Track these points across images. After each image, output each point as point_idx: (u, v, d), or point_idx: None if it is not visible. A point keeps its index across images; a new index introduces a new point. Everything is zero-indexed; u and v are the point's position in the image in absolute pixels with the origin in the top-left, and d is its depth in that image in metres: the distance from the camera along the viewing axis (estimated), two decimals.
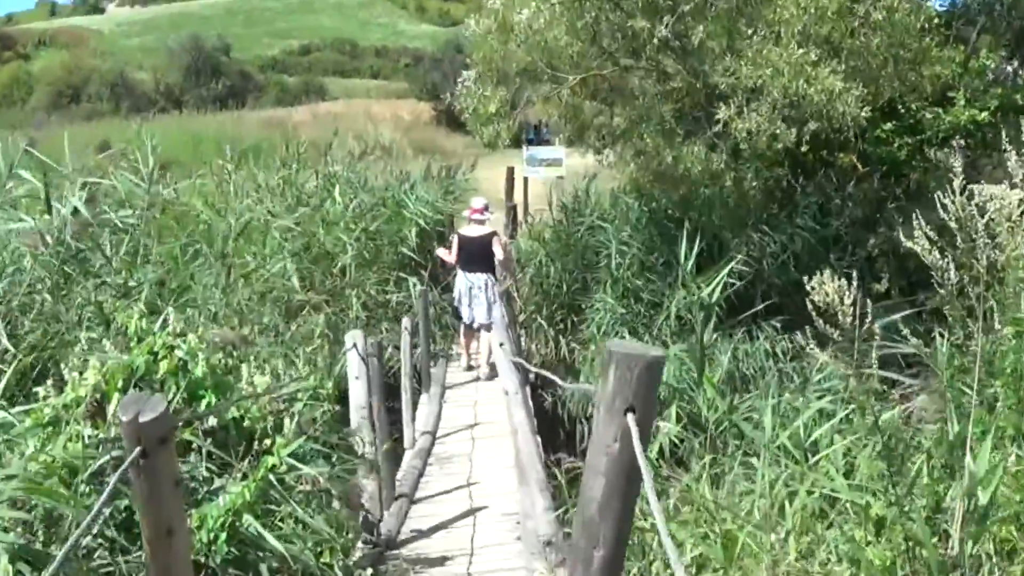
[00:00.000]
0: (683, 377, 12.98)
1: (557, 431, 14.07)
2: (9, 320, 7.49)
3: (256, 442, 5.62)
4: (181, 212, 13.84)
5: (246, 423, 5.45)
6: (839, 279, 4.70)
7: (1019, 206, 5.09)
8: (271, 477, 4.87)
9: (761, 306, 13.46)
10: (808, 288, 4.79)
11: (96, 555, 4.43)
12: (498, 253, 13.85)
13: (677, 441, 10.15)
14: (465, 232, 14.16)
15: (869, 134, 13.90)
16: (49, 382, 5.43)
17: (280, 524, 5.07)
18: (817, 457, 5.61)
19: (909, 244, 5.13)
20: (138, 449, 3.18)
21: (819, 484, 5.27)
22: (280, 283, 14.16)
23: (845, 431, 6.09)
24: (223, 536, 4.58)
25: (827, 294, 4.64)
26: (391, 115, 53.00)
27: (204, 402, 5.42)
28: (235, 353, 5.74)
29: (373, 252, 16.38)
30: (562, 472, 7.37)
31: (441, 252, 15.08)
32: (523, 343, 15.72)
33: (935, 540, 4.46)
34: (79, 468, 4.67)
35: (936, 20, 13.70)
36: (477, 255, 13.87)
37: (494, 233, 14.19)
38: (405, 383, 12.05)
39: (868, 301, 4.79)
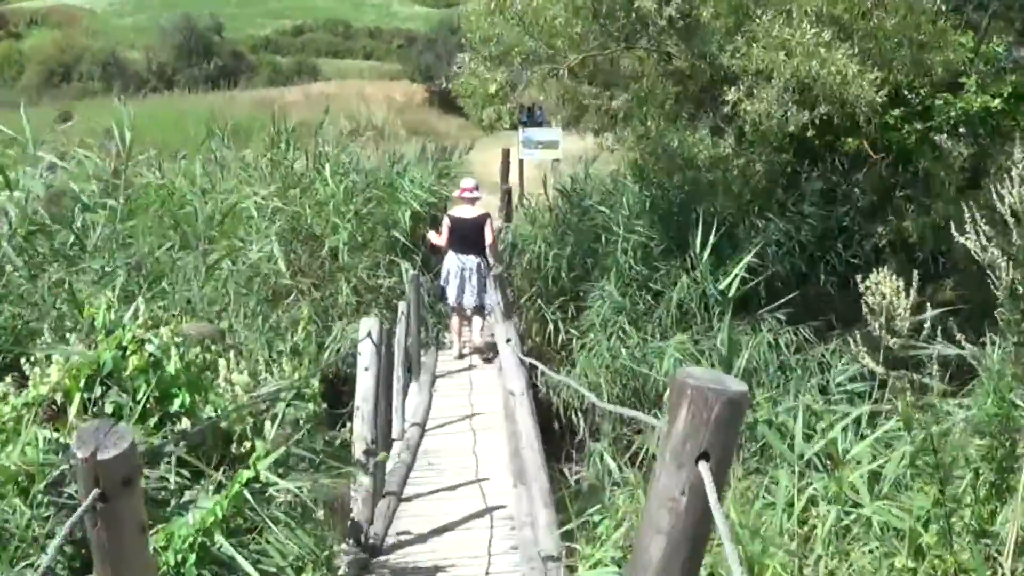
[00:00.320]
0: (683, 366, 12.65)
1: (553, 422, 13.62)
2: None
3: (235, 444, 5.17)
4: (163, 194, 13.34)
5: (223, 425, 4.99)
6: (894, 278, 4.16)
7: None
8: (247, 492, 4.38)
9: (774, 307, 13.00)
10: (862, 287, 4.28)
11: None
12: (488, 237, 13.55)
13: None
14: (457, 213, 13.82)
15: (876, 120, 13.46)
16: (8, 378, 4.97)
17: (258, 538, 4.60)
18: (857, 474, 5.07)
19: (962, 240, 4.58)
20: (96, 492, 2.64)
21: (851, 502, 4.79)
22: (266, 267, 13.73)
23: (879, 441, 5.62)
24: (192, 558, 4.10)
25: (883, 296, 4.12)
26: (384, 96, 52.41)
27: (177, 402, 4.96)
28: (213, 347, 5.26)
29: (365, 235, 15.88)
30: (569, 474, 6.94)
31: (431, 235, 14.70)
32: (519, 328, 15.30)
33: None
34: (36, 476, 4.21)
35: (948, 3, 13.26)
36: (470, 237, 13.57)
37: (487, 215, 13.90)
38: (398, 372, 11.57)
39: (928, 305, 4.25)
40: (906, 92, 13.74)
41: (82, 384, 4.70)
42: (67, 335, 5.71)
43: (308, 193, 15.80)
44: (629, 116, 14.34)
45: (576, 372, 13.70)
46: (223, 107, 43.03)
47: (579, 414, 13.69)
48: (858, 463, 5.26)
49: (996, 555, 4.09)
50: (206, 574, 4.14)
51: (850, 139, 14.10)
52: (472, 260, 13.58)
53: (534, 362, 11.27)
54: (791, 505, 5.11)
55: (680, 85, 13.79)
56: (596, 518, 6.00)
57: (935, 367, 4.76)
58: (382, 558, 7.13)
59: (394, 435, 10.79)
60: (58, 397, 4.79)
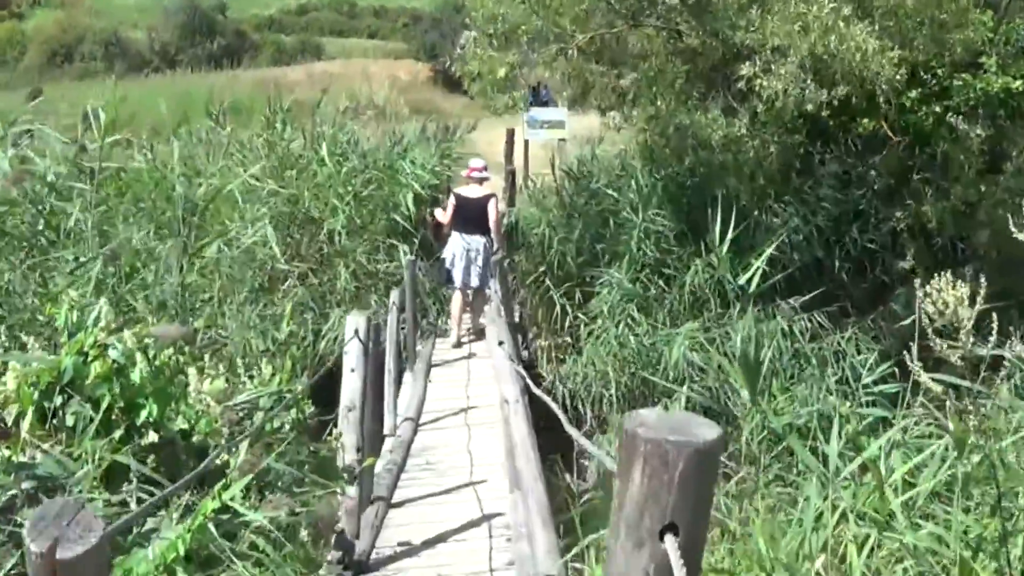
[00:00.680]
0: (694, 359, 12.26)
1: (553, 415, 13.16)
2: None
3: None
4: (142, 177, 12.84)
5: (195, 438, 4.53)
6: (955, 282, 3.63)
7: None
8: (214, 524, 3.90)
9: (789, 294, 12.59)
10: (922, 293, 3.77)
11: None
12: (491, 216, 13.27)
13: None
14: (463, 192, 13.61)
15: (895, 100, 13.01)
16: None
17: (231, 567, 4.12)
18: (898, 501, 4.55)
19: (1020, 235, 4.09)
20: None
21: (897, 530, 4.30)
22: (261, 251, 13.31)
23: (914, 447, 5.15)
24: None
25: (945, 305, 3.60)
26: (388, 75, 51.99)
27: (144, 413, 4.50)
28: (186, 351, 4.79)
29: (364, 218, 15.42)
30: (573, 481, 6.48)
31: (437, 212, 14.59)
32: (520, 315, 14.86)
33: None
34: None
35: None
36: (475, 217, 13.33)
37: (492, 195, 13.64)
38: (390, 364, 11.10)
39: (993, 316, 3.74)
40: (923, 73, 13.29)
41: (36, 396, 4.24)
42: (25, 336, 5.22)
43: (305, 174, 15.32)
44: (638, 96, 13.98)
45: (583, 360, 13.27)
46: (225, 87, 42.70)
47: (585, 404, 13.24)
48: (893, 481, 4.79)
49: None
50: None
51: (866, 120, 13.64)
52: (477, 240, 13.30)
53: (520, 370, 10.75)
54: (819, 518, 4.64)
55: (690, 63, 13.44)
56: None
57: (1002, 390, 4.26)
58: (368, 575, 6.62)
59: (386, 431, 10.33)
60: (13, 409, 4.33)
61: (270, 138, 15.82)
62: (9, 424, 4.33)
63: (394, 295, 12.01)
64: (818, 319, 12.60)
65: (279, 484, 4.74)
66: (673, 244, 13.85)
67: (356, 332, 6.53)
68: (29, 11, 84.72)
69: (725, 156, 13.64)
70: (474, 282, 13.43)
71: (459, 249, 13.39)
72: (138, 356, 4.54)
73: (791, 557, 4.46)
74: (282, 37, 76.08)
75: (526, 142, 23.18)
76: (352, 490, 6.02)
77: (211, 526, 3.88)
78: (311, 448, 5.15)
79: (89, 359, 4.51)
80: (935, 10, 11.99)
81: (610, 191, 15.28)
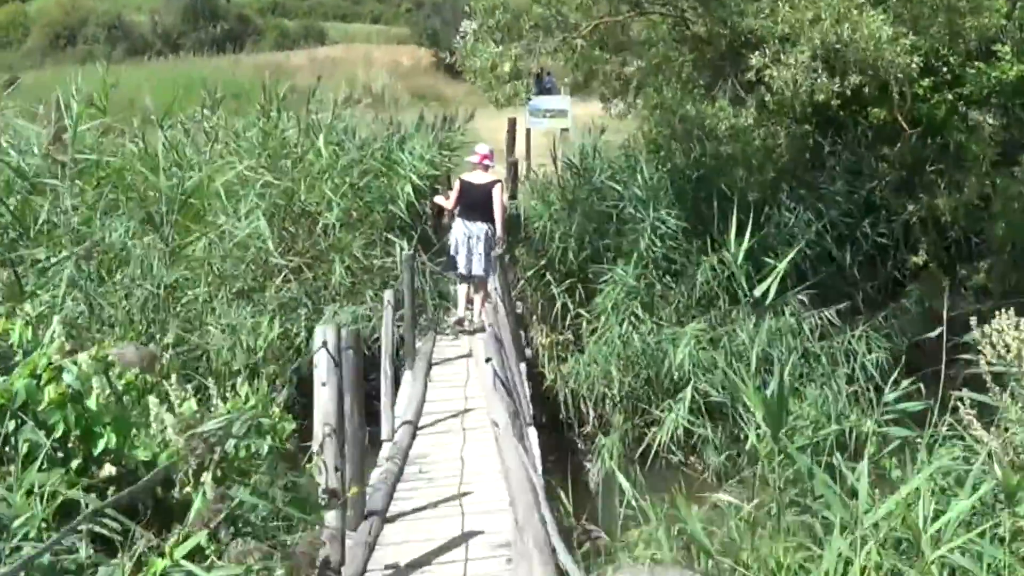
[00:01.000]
0: (699, 357, 11.92)
1: (554, 415, 12.83)
2: None
3: (176, 488, 4.33)
4: (131, 167, 12.43)
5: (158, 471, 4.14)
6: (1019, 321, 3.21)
7: None
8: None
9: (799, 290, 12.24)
10: (979, 334, 3.35)
11: None
12: (496, 202, 12.95)
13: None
14: (468, 178, 13.24)
15: (908, 90, 12.63)
16: None
17: None
18: (935, 555, 4.09)
19: None
20: None
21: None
22: (253, 244, 12.94)
23: (940, 473, 4.74)
24: None
25: (1007, 348, 3.18)
26: (391, 60, 51.65)
27: (102, 443, 4.11)
28: (148, 378, 4.39)
29: (361, 210, 15.02)
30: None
31: (439, 199, 14.42)
32: (522, 311, 14.48)
33: None
34: None
35: None
36: (479, 203, 12.99)
37: (498, 181, 13.30)
38: (386, 366, 10.71)
39: None
40: (935, 61, 12.93)
41: None
42: None
43: (301, 166, 14.92)
44: (642, 84, 13.65)
45: (585, 359, 12.96)
46: (227, 72, 42.39)
47: (587, 403, 12.90)
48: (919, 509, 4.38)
49: None
50: None
51: (876, 109, 13.28)
52: (480, 227, 12.94)
53: (513, 387, 10.32)
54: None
55: (696, 51, 13.11)
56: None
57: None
58: None
59: (383, 436, 9.96)
60: None
61: (265, 127, 15.40)
62: None
63: (388, 294, 11.56)
64: (828, 316, 12.29)
65: (253, 517, 4.34)
66: (679, 239, 13.45)
67: (324, 344, 6.11)
68: None
69: (733, 147, 13.31)
70: (476, 270, 13.05)
71: (461, 236, 13.07)
72: (95, 381, 4.15)
73: None
74: (285, 21, 75.81)
75: (528, 131, 22.81)
76: (333, 516, 5.63)
77: None
78: (288, 476, 4.73)
79: (43, 383, 4.14)
80: None
81: (614, 185, 14.84)
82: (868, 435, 5.45)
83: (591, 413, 12.95)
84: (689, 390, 11.66)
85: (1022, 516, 3.84)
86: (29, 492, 3.92)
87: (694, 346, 11.98)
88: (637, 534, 5.82)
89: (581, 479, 11.99)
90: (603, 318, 13.17)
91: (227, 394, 4.86)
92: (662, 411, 11.89)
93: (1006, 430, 4.32)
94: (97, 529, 3.81)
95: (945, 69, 13.30)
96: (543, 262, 14.83)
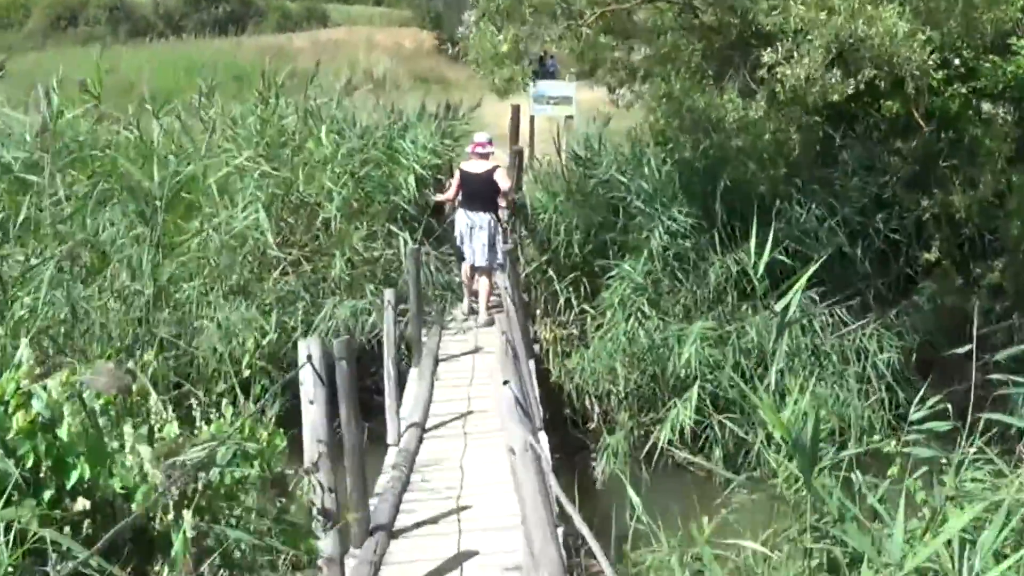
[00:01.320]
0: (706, 354, 11.68)
1: (559, 414, 12.56)
2: None
3: (155, 521, 4.05)
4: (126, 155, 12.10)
5: (134, 504, 3.87)
6: None
7: None
8: None
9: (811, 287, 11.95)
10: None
11: None
12: (503, 184, 12.96)
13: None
14: (467, 167, 13.23)
15: (923, 84, 12.35)
16: None
17: None
18: None
19: None
20: None
21: None
22: (252, 235, 12.67)
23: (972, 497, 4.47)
24: None
25: None
26: (393, 43, 51.27)
27: (75, 475, 3.83)
28: (125, 400, 4.11)
29: (361, 201, 14.72)
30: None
31: (437, 196, 14.47)
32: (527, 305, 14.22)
33: None
34: None
35: None
36: (479, 192, 12.99)
37: (497, 167, 13.24)
38: (389, 368, 10.44)
39: None
40: (948, 54, 12.63)
41: None
42: None
43: (300, 155, 14.61)
44: (649, 73, 13.38)
45: (590, 355, 12.71)
46: (229, 54, 42.14)
47: (592, 400, 12.64)
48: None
49: None
50: None
51: (889, 103, 12.98)
52: (481, 217, 12.93)
53: (530, 410, 9.98)
54: None
55: (705, 41, 12.84)
56: None
57: None
58: None
59: (389, 440, 9.71)
60: None
61: (263, 115, 15.09)
62: None
63: (388, 294, 11.17)
64: (839, 313, 12.05)
65: (238, 551, 4.07)
66: (688, 234, 13.17)
67: (309, 358, 5.81)
68: None
69: (743, 140, 13.07)
70: (479, 261, 13.01)
71: (463, 227, 13.08)
72: (67, 408, 3.87)
73: None
74: (287, 3, 75.58)
75: (532, 118, 22.54)
76: (328, 541, 5.37)
77: None
78: (278, 503, 4.44)
79: (11, 410, 3.86)
80: None
81: (621, 177, 14.51)
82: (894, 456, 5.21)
83: (596, 410, 12.71)
84: (696, 388, 11.44)
85: None
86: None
87: (701, 343, 11.72)
88: (650, 561, 5.57)
89: (587, 475, 11.81)
90: (608, 314, 12.90)
91: (212, 413, 4.54)
92: (668, 409, 11.66)
93: None
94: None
95: (958, 62, 13.01)
96: (546, 256, 14.56)
